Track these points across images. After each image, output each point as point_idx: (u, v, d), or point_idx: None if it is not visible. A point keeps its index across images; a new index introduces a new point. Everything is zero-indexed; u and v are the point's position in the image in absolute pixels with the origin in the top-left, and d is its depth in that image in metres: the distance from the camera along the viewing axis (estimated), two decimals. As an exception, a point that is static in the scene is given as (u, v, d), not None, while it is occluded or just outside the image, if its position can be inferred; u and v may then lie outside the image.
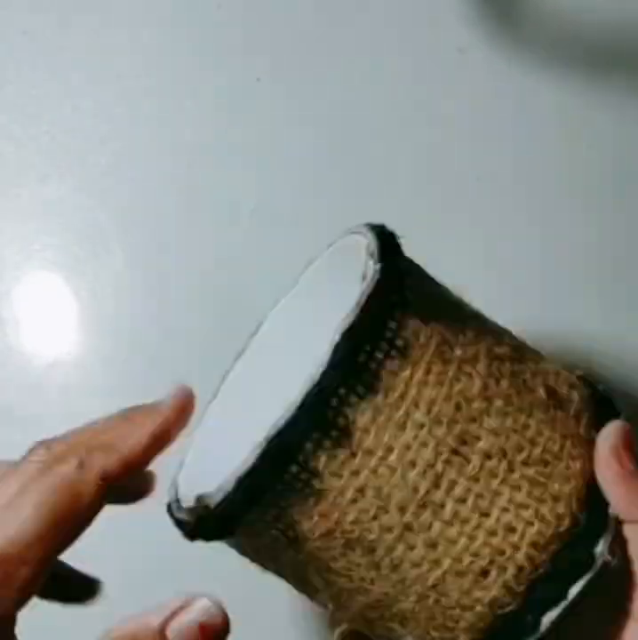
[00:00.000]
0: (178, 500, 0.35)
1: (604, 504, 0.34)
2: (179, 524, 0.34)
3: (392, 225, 0.57)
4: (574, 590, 0.33)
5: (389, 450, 0.32)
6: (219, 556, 0.36)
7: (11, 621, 0.29)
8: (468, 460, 0.32)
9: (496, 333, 0.37)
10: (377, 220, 0.57)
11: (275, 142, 0.58)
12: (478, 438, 0.33)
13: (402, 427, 0.32)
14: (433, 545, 0.32)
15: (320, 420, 0.31)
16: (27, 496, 0.29)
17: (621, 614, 0.32)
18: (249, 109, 0.59)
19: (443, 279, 0.57)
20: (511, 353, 0.36)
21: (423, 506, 0.32)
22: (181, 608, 0.28)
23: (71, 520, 0.30)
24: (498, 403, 0.34)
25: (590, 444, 0.34)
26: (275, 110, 0.59)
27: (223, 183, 0.58)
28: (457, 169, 0.58)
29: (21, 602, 0.31)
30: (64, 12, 0.60)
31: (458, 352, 0.34)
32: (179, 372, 0.56)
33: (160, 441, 0.32)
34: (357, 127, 0.59)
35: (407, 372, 0.33)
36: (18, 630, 0.35)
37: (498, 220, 0.58)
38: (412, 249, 0.57)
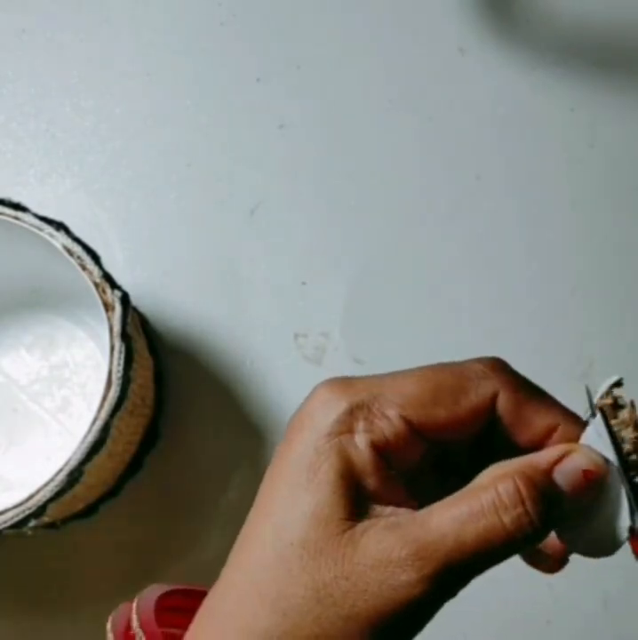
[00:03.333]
0: None
1: None
2: None
3: (390, 226, 0.58)
4: None
5: None
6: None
7: None
8: None
9: None
10: (376, 219, 0.58)
11: (274, 142, 0.58)
12: None
13: None
14: None
15: None
16: None
17: None
18: (249, 109, 0.59)
19: (443, 278, 0.57)
20: None
21: None
22: (566, 454, 0.29)
23: None
24: None
25: None
26: (274, 110, 0.59)
27: (223, 183, 0.58)
28: (456, 168, 0.58)
29: None
30: (64, 12, 0.60)
31: None
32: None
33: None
34: (357, 127, 0.59)
35: None
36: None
37: (498, 219, 0.58)
38: (411, 247, 0.57)
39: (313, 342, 0.56)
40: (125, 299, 0.43)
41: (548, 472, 0.28)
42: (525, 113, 0.59)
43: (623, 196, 0.58)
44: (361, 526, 0.28)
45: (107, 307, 0.43)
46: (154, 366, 0.53)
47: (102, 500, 0.50)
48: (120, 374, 0.42)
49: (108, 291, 0.43)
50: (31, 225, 0.44)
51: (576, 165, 0.58)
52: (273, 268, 0.57)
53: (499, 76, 0.59)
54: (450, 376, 0.30)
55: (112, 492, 0.51)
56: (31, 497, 0.41)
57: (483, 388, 0.29)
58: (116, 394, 0.42)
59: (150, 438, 0.52)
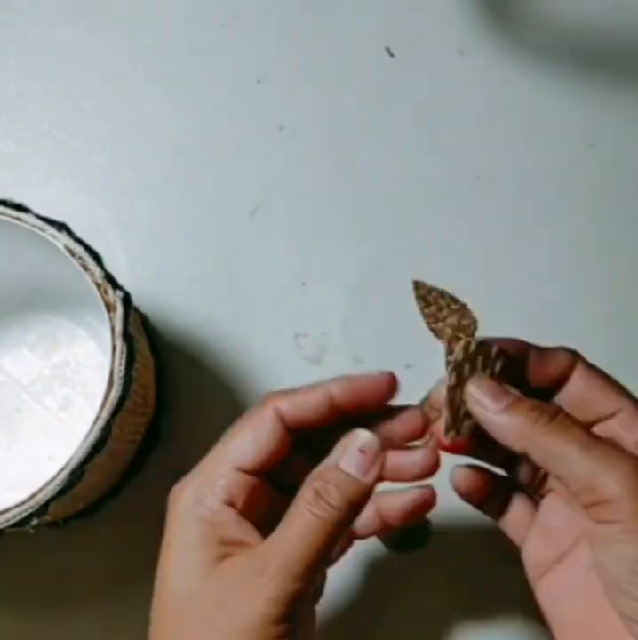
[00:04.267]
0: None
1: None
2: None
3: (391, 224, 0.58)
4: None
5: None
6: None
7: None
8: None
9: None
10: (376, 219, 0.58)
11: (274, 143, 0.58)
12: None
13: None
14: None
15: None
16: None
17: None
18: (249, 111, 0.59)
19: (442, 278, 0.57)
20: None
21: None
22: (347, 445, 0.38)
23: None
24: None
25: None
26: (275, 112, 0.59)
27: (223, 183, 0.58)
28: (456, 168, 0.58)
29: None
30: (64, 13, 0.60)
31: None
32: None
33: (334, 406, 0.39)
34: (357, 127, 0.59)
35: None
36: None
37: (498, 220, 0.58)
38: (411, 247, 0.57)
39: (313, 342, 0.56)
40: (127, 299, 0.43)
41: (335, 466, 0.37)
42: (525, 113, 0.59)
43: (622, 196, 0.58)
44: (224, 564, 0.36)
45: (109, 307, 0.43)
46: (155, 366, 0.53)
47: (104, 499, 0.51)
48: (122, 374, 0.42)
49: (110, 291, 0.43)
50: (33, 225, 0.44)
51: (575, 166, 0.58)
52: (273, 268, 0.57)
53: (499, 77, 0.59)
54: (246, 419, 0.40)
55: (113, 492, 0.51)
56: (33, 496, 0.41)
57: (266, 412, 0.39)
58: (118, 393, 0.42)
59: (151, 438, 0.52)
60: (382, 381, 0.40)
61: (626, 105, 0.59)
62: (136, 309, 0.51)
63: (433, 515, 0.52)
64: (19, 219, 0.44)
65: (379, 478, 0.38)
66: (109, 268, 0.44)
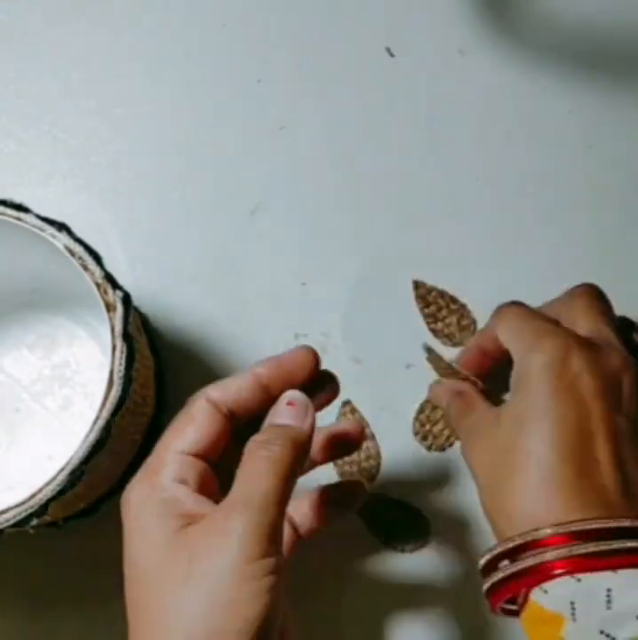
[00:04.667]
0: None
1: None
2: None
3: (390, 223, 0.58)
4: None
5: None
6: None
7: None
8: None
9: None
10: (376, 219, 0.58)
11: (274, 143, 0.58)
12: None
13: None
14: None
15: None
16: None
17: None
18: (249, 111, 0.59)
19: (442, 278, 0.57)
20: None
21: None
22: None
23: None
24: None
25: None
26: (275, 111, 0.59)
27: (223, 183, 0.58)
28: (456, 168, 0.58)
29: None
30: (64, 12, 0.60)
31: None
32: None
33: (264, 387, 0.42)
34: (357, 127, 0.59)
35: None
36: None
37: (498, 220, 0.58)
38: (411, 247, 0.57)
39: (313, 342, 0.56)
40: (127, 299, 0.43)
41: (271, 423, 0.41)
42: (524, 114, 0.59)
43: (622, 196, 0.58)
44: (189, 528, 0.37)
45: (109, 307, 0.43)
46: (155, 366, 0.53)
47: (104, 499, 0.51)
48: (121, 374, 0.42)
49: (110, 291, 0.43)
50: (33, 225, 0.44)
51: (575, 166, 0.58)
52: (273, 268, 0.57)
53: (498, 77, 0.59)
54: (182, 412, 0.42)
55: (113, 492, 0.51)
56: (33, 496, 0.41)
57: (198, 402, 0.41)
58: (118, 393, 0.42)
59: (151, 438, 0.52)
60: (303, 353, 0.43)
61: (626, 105, 0.59)
62: (136, 309, 0.51)
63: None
64: (19, 219, 0.44)
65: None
66: (109, 268, 0.44)
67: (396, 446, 0.55)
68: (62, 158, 0.58)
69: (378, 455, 0.54)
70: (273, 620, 0.36)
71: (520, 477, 0.42)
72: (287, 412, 0.41)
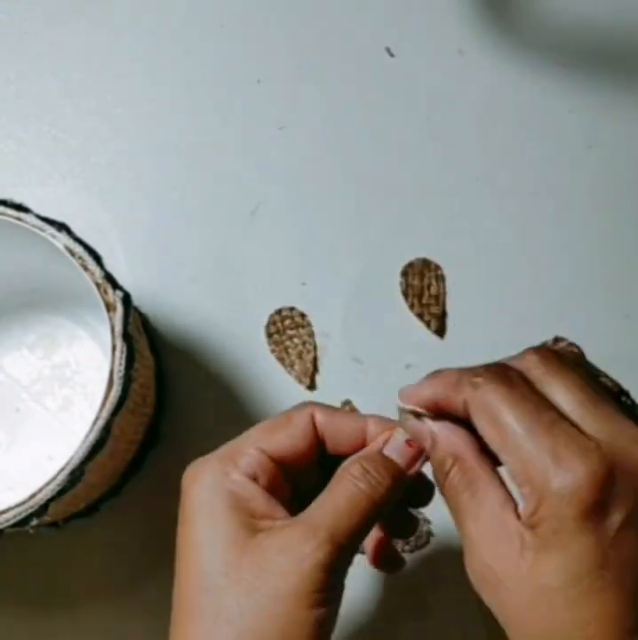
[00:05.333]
0: None
1: None
2: None
3: (390, 224, 0.58)
4: None
5: None
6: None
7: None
8: None
9: None
10: (376, 219, 0.58)
11: (274, 143, 0.58)
12: None
13: None
14: None
15: None
16: None
17: None
18: (249, 111, 0.59)
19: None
20: None
21: None
22: (391, 435, 0.39)
23: None
24: None
25: None
26: (274, 111, 0.59)
27: (223, 183, 0.58)
28: (456, 168, 0.58)
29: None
30: (64, 13, 0.60)
31: None
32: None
33: (363, 438, 0.40)
34: (357, 127, 0.59)
35: None
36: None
37: (497, 219, 0.58)
38: (411, 247, 0.57)
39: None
40: (127, 299, 0.43)
41: (380, 450, 0.39)
42: (524, 114, 0.59)
43: (622, 196, 0.58)
44: (260, 535, 0.36)
45: (109, 307, 0.43)
46: (155, 366, 0.53)
47: (103, 499, 0.51)
48: (121, 374, 0.42)
49: (110, 291, 0.43)
50: (33, 225, 0.44)
51: (575, 166, 0.58)
52: (273, 268, 0.57)
53: (498, 78, 0.59)
54: (281, 415, 0.40)
55: (113, 492, 0.51)
56: (33, 496, 0.41)
57: (303, 412, 0.39)
58: (118, 393, 0.42)
59: (151, 438, 0.52)
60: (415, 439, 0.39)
61: (626, 105, 0.59)
62: (136, 309, 0.51)
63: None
64: (19, 219, 0.44)
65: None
66: (109, 268, 0.44)
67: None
68: (62, 158, 0.58)
69: None
70: None
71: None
72: (404, 451, 0.39)
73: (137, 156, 0.58)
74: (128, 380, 0.42)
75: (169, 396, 0.54)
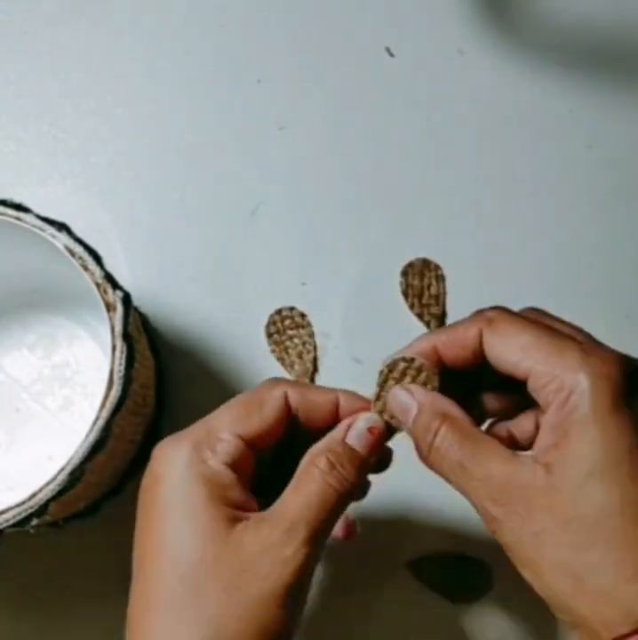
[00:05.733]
0: None
1: None
2: None
3: (390, 224, 0.58)
4: None
5: None
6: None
7: None
8: None
9: None
10: (376, 219, 0.58)
11: (274, 143, 0.58)
12: None
13: None
14: None
15: None
16: None
17: None
18: (249, 110, 0.59)
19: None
20: None
21: None
22: (352, 423, 0.39)
23: None
24: None
25: None
26: (274, 111, 0.59)
27: (223, 183, 0.58)
28: (456, 169, 0.58)
29: None
30: (64, 13, 0.60)
31: None
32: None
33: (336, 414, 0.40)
34: (357, 127, 0.59)
35: None
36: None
37: (498, 219, 0.58)
38: (411, 247, 0.57)
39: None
40: (127, 299, 0.43)
41: (343, 439, 0.39)
42: (524, 114, 0.59)
43: (622, 196, 0.58)
44: (238, 528, 0.36)
45: (109, 307, 0.43)
46: (155, 366, 0.53)
47: (104, 499, 0.51)
48: (121, 374, 0.42)
49: (110, 291, 0.43)
50: (33, 225, 0.44)
51: (575, 166, 0.58)
52: (273, 268, 0.57)
53: (498, 77, 0.59)
54: (252, 394, 0.40)
55: (114, 492, 0.51)
56: (33, 496, 0.41)
57: (275, 392, 0.39)
58: (118, 393, 0.42)
59: (151, 438, 0.52)
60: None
61: (626, 105, 0.59)
62: (136, 309, 0.51)
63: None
64: (18, 218, 0.44)
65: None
66: (109, 268, 0.44)
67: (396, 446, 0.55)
68: (62, 158, 0.58)
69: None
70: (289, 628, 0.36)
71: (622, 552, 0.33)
72: (366, 438, 0.39)
73: (137, 156, 0.58)
74: (128, 380, 0.42)
75: (169, 396, 0.54)
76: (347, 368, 0.56)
